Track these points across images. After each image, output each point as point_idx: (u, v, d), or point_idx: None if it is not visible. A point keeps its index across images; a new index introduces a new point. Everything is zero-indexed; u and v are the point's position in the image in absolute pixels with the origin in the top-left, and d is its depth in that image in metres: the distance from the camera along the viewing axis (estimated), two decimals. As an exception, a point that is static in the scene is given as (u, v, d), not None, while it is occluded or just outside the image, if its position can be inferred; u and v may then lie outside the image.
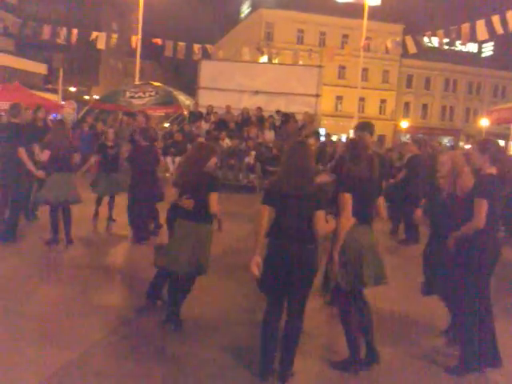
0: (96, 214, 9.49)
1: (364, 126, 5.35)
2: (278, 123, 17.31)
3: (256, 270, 3.84)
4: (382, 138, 43.08)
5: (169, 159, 15.84)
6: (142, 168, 8.08)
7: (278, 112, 17.84)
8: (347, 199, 4.11)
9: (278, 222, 3.89)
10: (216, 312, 5.43)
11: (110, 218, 9.39)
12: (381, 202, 4.43)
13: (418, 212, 5.58)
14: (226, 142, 15.96)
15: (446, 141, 49.09)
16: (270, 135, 16.82)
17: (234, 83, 18.75)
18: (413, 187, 9.15)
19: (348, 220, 4.08)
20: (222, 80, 18.81)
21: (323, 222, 3.90)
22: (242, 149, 15.85)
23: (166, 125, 19.64)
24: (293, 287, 3.91)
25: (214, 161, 4.78)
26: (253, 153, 15.80)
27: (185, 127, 17.11)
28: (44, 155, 7.54)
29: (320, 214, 3.87)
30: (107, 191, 9.35)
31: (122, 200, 8.92)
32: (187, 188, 4.70)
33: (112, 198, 9.44)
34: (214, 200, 4.61)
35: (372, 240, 4.28)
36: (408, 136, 48.39)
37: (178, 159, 15.67)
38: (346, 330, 4.27)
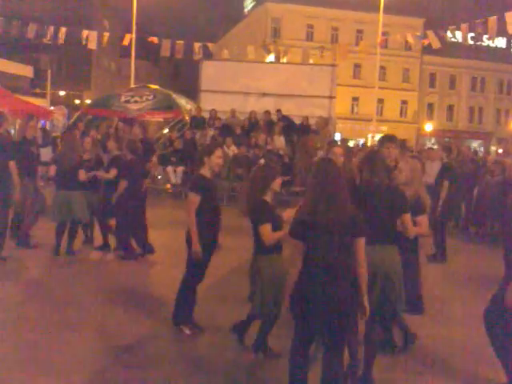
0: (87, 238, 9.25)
1: (389, 139, 5.69)
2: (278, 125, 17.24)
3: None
4: (404, 143, 43.04)
5: (169, 169, 15.94)
6: (128, 185, 8.12)
7: (278, 111, 17.89)
8: None
9: (312, 257, 3.68)
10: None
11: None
12: (406, 217, 4.45)
13: None
14: (232, 150, 16.04)
15: (476, 145, 49.03)
16: (280, 141, 16.89)
17: (238, 85, 18.88)
18: (449, 198, 9.35)
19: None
20: (225, 82, 18.92)
21: (363, 253, 3.73)
22: (250, 157, 15.92)
23: (165, 131, 19.73)
24: (326, 327, 3.74)
25: (277, 182, 4.83)
26: (262, 161, 15.81)
27: (186, 134, 17.20)
28: (51, 170, 7.75)
29: (359, 242, 3.69)
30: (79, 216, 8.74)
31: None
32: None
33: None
34: (265, 232, 4.60)
35: (386, 261, 4.31)
36: (433, 140, 48.42)
37: (179, 169, 15.79)
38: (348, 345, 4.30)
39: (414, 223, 4.64)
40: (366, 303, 3.78)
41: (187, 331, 5.35)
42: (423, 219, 4.78)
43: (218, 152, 5.34)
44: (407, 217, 4.44)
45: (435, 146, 26.19)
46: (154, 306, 6.32)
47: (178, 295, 5.44)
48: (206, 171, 5.31)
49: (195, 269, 5.31)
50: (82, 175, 8.18)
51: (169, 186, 16.22)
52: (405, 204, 4.46)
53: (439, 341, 5.64)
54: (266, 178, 4.69)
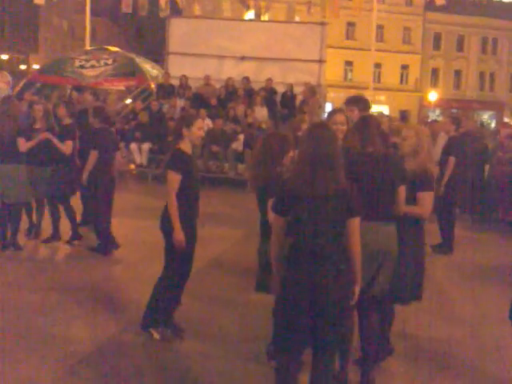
0: (30, 225, 9.06)
1: (353, 100, 5.82)
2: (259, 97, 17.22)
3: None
4: (404, 114, 43.29)
5: (133, 147, 15.79)
6: (99, 157, 8.18)
7: (244, 79, 17.83)
8: None
9: (296, 237, 3.69)
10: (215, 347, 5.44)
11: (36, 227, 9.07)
12: (401, 190, 4.54)
13: None
14: (207, 123, 15.94)
15: (486, 117, 49.46)
16: (262, 113, 16.84)
17: (212, 47, 18.73)
18: (456, 177, 9.37)
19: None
20: (197, 43, 18.77)
21: (358, 234, 3.72)
22: (228, 132, 15.84)
23: (128, 102, 19.53)
24: (319, 327, 3.69)
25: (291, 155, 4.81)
26: (241, 137, 15.80)
27: (152, 105, 17.04)
28: None
29: (353, 223, 3.68)
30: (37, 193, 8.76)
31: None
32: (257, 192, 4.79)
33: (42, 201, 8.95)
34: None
35: (382, 241, 4.41)
36: (437, 112, 48.72)
37: (145, 146, 15.68)
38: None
39: (416, 201, 4.72)
40: (357, 289, 3.83)
41: (157, 336, 5.32)
42: (426, 196, 4.79)
43: (199, 122, 5.32)
44: (402, 189, 4.54)
45: (440, 118, 26.34)
46: (118, 308, 6.28)
47: (155, 295, 5.37)
48: (185, 145, 5.27)
49: (179, 263, 5.26)
50: (23, 145, 8.01)
51: (132, 166, 16.09)
52: (402, 174, 4.55)
53: (450, 343, 5.69)
54: (282, 148, 4.72)
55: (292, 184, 3.68)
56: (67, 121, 8.73)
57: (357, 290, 3.82)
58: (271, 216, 4.30)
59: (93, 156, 8.18)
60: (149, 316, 5.39)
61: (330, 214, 3.60)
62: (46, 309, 6.14)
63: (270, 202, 4.33)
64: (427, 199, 4.78)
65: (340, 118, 5.36)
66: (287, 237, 3.75)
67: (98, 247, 8.32)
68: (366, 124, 4.59)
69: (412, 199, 4.70)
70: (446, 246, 9.51)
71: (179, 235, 5.11)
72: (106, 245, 8.30)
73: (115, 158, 8.62)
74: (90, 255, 8.21)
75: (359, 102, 5.81)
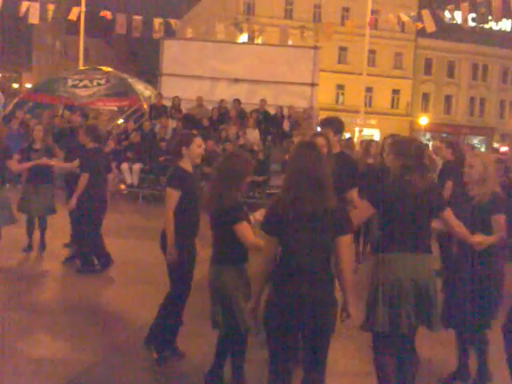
0: (29, 244, 9.16)
1: (327, 122, 5.90)
2: (232, 114, 17.33)
3: (251, 321, 3.85)
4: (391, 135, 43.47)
5: (124, 167, 15.77)
6: (91, 178, 8.11)
7: (235, 101, 17.93)
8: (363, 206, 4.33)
9: (285, 257, 3.68)
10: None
11: (41, 245, 9.23)
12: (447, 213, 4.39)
13: None
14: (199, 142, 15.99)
15: (476, 142, 49.79)
16: (254, 135, 16.89)
17: (205, 69, 18.88)
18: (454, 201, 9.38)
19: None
20: (190, 65, 18.90)
21: (349, 252, 3.76)
22: (219, 153, 15.85)
23: (120, 122, 19.55)
24: (307, 340, 3.76)
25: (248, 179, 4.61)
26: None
27: (144, 125, 17.07)
28: None
29: (344, 241, 3.66)
30: (36, 211, 9.06)
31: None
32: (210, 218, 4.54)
33: (42, 219, 9.21)
34: (245, 231, 4.41)
35: (420, 273, 4.23)
36: (428, 136, 49.03)
37: (136, 167, 15.67)
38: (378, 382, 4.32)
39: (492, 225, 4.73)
40: (351, 308, 3.78)
41: (155, 356, 5.26)
42: (500, 219, 4.80)
43: (198, 141, 5.32)
44: (449, 213, 4.38)
45: (430, 143, 26.50)
46: (106, 329, 6.21)
47: (162, 315, 5.31)
48: (185, 164, 5.27)
49: (181, 282, 5.24)
50: (15, 166, 8.01)
51: (123, 186, 16.05)
52: (442, 201, 4.43)
53: None
54: (240, 172, 4.49)
55: (280, 203, 3.66)
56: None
57: (351, 310, 3.78)
58: (249, 239, 4.36)
59: (83, 178, 8.05)
60: (153, 335, 5.33)
61: (318, 233, 3.59)
62: (32, 330, 6.07)
63: (243, 226, 4.34)
64: (502, 222, 4.80)
65: (321, 141, 5.41)
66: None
67: (82, 268, 8.25)
68: (405, 148, 4.39)
69: (481, 224, 4.69)
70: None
71: (171, 252, 5.09)
72: (90, 265, 8.24)
73: (107, 180, 8.53)
74: (81, 275, 8.15)
75: (333, 124, 5.89)
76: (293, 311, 3.61)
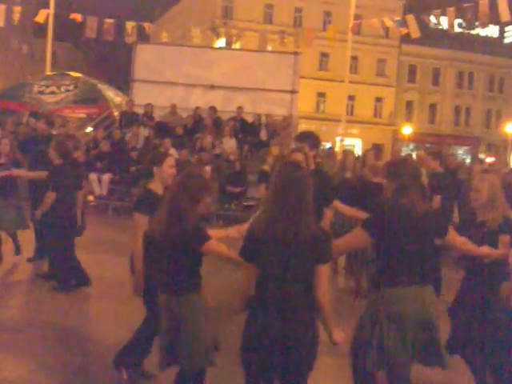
0: None
1: (303, 137, 5.99)
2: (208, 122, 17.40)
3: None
4: (377, 149, 43.82)
5: (93, 177, 15.67)
6: (58, 196, 8.04)
7: (210, 109, 18.01)
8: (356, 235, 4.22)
9: (260, 285, 3.60)
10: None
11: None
12: (452, 234, 4.35)
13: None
14: (171, 154, 15.95)
15: (461, 152, 50.26)
16: (230, 144, 16.91)
17: (180, 75, 18.91)
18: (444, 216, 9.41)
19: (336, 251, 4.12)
20: (164, 70, 18.90)
21: (326, 282, 3.60)
22: (194, 163, 15.83)
23: (89, 130, 19.44)
24: (281, 380, 3.68)
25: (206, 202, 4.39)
26: (208, 168, 15.79)
27: (114, 134, 17.00)
28: None
29: (323, 270, 3.57)
30: (6, 227, 9.06)
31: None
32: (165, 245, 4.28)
33: (13, 235, 9.25)
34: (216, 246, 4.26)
35: (427, 308, 4.12)
36: (411, 146, 49.41)
37: (106, 177, 15.58)
38: None
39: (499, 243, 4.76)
40: (336, 335, 3.68)
41: (125, 376, 5.22)
42: (507, 239, 4.84)
43: (170, 160, 5.27)
44: (452, 233, 4.33)
45: (414, 153, 26.72)
46: (74, 348, 6.16)
47: (137, 335, 5.26)
48: (156, 185, 5.21)
49: (155, 308, 5.19)
50: None
51: (91, 197, 15.93)
52: (444, 222, 4.42)
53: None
54: (198, 191, 4.26)
55: (259, 227, 3.59)
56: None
57: (337, 337, 3.69)
58: (222, 252, 4.22)
59: (49, 198, 7.96)
60: (124, 355, 5.27)
61: (299, 262, 3.51)
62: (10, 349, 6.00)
63: (211, 245, 4.16)
64: (506, 241, 4.82)
65: (298, 157, 5.41)
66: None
67: (57, 286, 8.19)
68: (401, 171, 4.27)
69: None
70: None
71: (138, 281, 5.00)
72: (67, 281, 8.19)
73: (78, 197, 8.39)
74: (48, 292, 8.07)
75: (309, 139, 5.96)
76: (264, 347, 3.55)
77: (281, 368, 3.62)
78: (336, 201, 6.10)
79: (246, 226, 5.41)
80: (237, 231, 4.81)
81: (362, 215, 5.62)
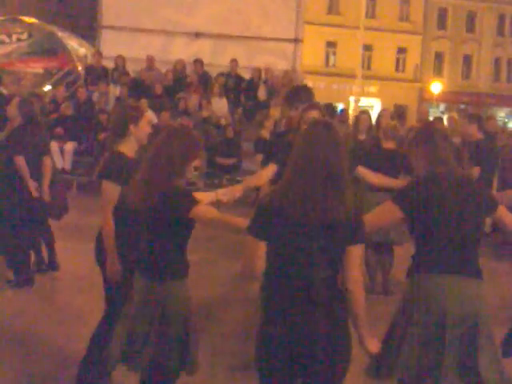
0: None
1: (292, 95, 6.13)
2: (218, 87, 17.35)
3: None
4: (401, 110, 43.78)
5: (53, 147, 15.60)
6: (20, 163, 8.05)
7: (196, 61, 18.03)
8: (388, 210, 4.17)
9: (279, 272, 3.57)
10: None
11: None
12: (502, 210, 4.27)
13: None
14: (149, 118, 15.91)
15: (503, 115, 50.23)
16: (221, 105, 16.88)
17: (158, 20, 18.84)
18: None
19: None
20: (138, 15, 18.81)
21: (360, 267, 3.56)
22: (177, 128, 15.79)
23: (47, 89, 19.35)
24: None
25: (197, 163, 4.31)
26: (194, 134, 15.77)
27: (79, 93, 16.93)
28: None
29: (355, 252, 3.54)
30: None
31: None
32: (145, 217, 4.26)
33: None
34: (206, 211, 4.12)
35: (474, 304, 4.06)
36: (442, 107, 49.35)
37: (69, 147, 15.54)
38: None
39: None
40: (368, 343, 3.68)
41: None
42: None
43: (148, 116, 5.33)
44: (502, 209, 4.25)
45: (445, 116, 26.71)
46: (37, 355, 6.18)
47: (94, 344, 5.25)
48: (128, 147, 5.16)
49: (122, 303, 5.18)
50: None
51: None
52: (492, 196, 4.35)
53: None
54: (186, 152, 4.21)
55: (278, 203, 3.50)
56: None
57: (369, 346, 3.69)
58: (212, 217, 4.09)
59: (21, 163, 8.00)
60: (88, 371, 5.25)
61: (327, 247, 3.46)
62: None
63: (200, 208, 4.05)
64: None
65: (316, 115, 5.36)
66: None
67: (16, 280, 8.23)
68: (431, 135, 4.33)
69: None
70: None
71: (114, 265, 4.98)
72: (22, 274, 8.23)
73: (45, 164, 8.40)
74: (4, 287, 8.12)
75: (301, 95, 5.97)
76: (285, 350, 3.52)
77: (306, 376, 3.61)
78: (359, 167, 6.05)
79: (238, 187, 5.42)
80: (228, 194, 4.86)
81: (392, 182, 5.62)
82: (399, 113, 41.22)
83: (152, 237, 4.23)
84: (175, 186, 4.11)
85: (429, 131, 4.42)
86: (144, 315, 4.18)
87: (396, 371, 4.07)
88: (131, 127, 5.12)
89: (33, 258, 8.60)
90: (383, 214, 4.25)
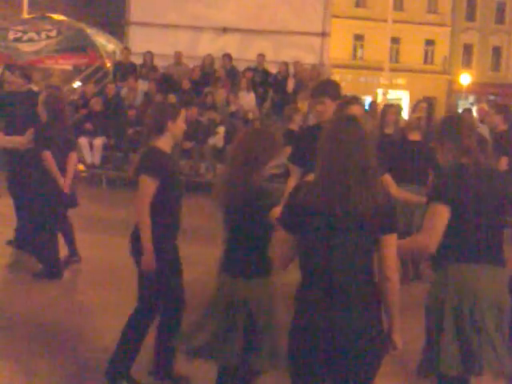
0: None
1: (320, 88, 6.09)
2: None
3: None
4: (430, 102, 43.47)
5: (83, 142, 15.72)
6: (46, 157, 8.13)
7: (224, 56, 17.96)
8: (439, 213, 4.10)
9: (308, 270, 3.59)
10: None
11: None
12: None
13: None
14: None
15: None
16: (248, 100, 16.88)
17: (186, 16, 18.84)
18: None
19: (429, 244, 4.08)
20: (166, 11, 18.83)
21: (395, 256, 3.56)
22: (204, 123, 15.83)
23: (76, 85, 19.48)
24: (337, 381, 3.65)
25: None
26: (222, 129, 15.79)
27: (107, 89, 17.00)
28: None
29: (389, 241, 3.55)
30: None
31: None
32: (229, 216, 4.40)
33: None
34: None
35: (499, 294, 4.17)
36: (471, 99, 48.94)
37: (98, 142, 15.63)
38: None
39: None
40: (397, 336, 3.67)
41: None
42: None
43: (183, 113, 5.41)
44: None
45: (474, 107, 26.47)
46: (65, 345, 6.23)
47: (126, 335, 5.31)
48: (164, 143, 5.27)
49: (155, 296, 5.26)
50: None
51: (82, 167, 16.00)
52: None
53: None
54: (265, 152, 4.30)
55: (309, 197, 3.52)
56: None
57: (397, 339, 3.68)
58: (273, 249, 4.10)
59: (47, 159, 8.10)
60: (119, 363, 5.30)
61: (358, 240, 3.47)
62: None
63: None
64: None
65: (357, 110, 5.34)
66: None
67: (41, 272, 8.30)
68: (456, 124, 4.36)
69: None
70: None
71: (149, 257, 5.06)
72: (53, 267, 8.28)
73: (71, 159, 8.53)
74: (32, 281, 8.15)
75: (328, 90, 5.96)
76: (318, 345, 3.52)
77: (337, 374, 3.60)
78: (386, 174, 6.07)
79: None
80: None
81: (412, 198, 5.62)
82: (429, 104, 40.93)
83: (234, 235, 4.35)
84: (257, 186, 4.23)
85: (453, 122, 4.41)
86: (228, 313, 4.26)
87: (437, 365, 4.08)
88: (169, 124, 5.21)
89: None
90: (439, 220, 4.14)
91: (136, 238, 5.19)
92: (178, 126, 5.31)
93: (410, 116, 9.45)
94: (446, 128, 4.38)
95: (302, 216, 3.52)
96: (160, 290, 5.24)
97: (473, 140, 4.23)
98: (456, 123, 4.36)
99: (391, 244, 3.53)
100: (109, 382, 5.26)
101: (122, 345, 5.31)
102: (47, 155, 8.08)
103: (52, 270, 8.26)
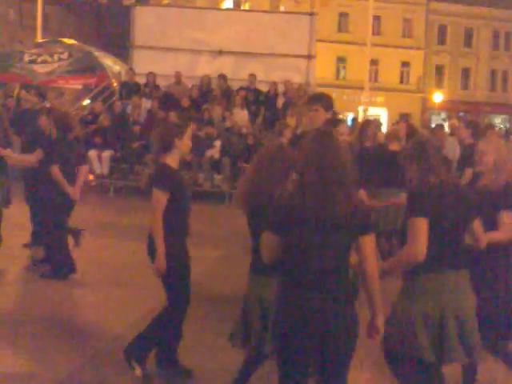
0: None
1: (316, 98, 6.22)
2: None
3: None
4: (405, 118, 43.59)
5: (92, 154, 15.74)
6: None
7: (220, 77, 18.03)
8: (420, 226, 4.12)
9: (295, 265, 3.64)
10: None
11: None
12: (477, 223, 4.40)
13: None
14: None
15: (499, 121, 49.87)
16: (242, 116, 16.92)
17: (185, 40, 18.86)
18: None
19: (417, 254, 4.10)
20: (167, 35, 18.85)
21: (374, 252, 3.70)
22: (202, 137, 15.86)
23: (86, 103, 19.49)
24: (319, 369, 3.73)
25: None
26: (218, 143, 15.84)
27: (114, 106, 17.04)
28: None
29: (367, 241, 3.64)
30: None
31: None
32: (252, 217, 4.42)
33: None
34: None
35: (465, 299, 4.24)
36: (443, 115, 49.07)
37: (106, 154, 15.65)
38: None
39: (495, 224, 4.70)
40: (380, 321, 3.77)
41: (138, 373, 5.26)
42: (509, 215, 4.76)
43: (190, 131, 5.39)
44: (478, 222, 4.40)
45: (446, 123, 26.60)
46: (78, 339, 6.24)
47: (153, 326, 5.35)
48: (172, 159, 5.28)
49: (178, 291, 5.29)
50: None
51: (91, 177, 16.02)
52: (476, 205, 4.41)
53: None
54: (284, 163, 4.35)
55: (293, 201, 3.62)
56: None
57: (380, 323, 3.78)
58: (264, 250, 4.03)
59: (56, 172, 8.09)
60: (137, 347, 5.32)
61: (337, 239, 3.57)
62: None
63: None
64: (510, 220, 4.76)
65: (344, 128, 5.40)
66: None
67: (49, 272, 8.29)
68: (423, 148, 4.40)
69: (490, 224, 4.66)
70: None
71: (161, 263, 5.10)
72: (62, 268, 8.29)
73: (81, 172, 8.56)
74: (44, 280, 8.14)
75: (322, 100, 6.04)
76: (299, 331, 3.58)
77: (320, 356, 3.66)
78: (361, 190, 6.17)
79: None
80: None
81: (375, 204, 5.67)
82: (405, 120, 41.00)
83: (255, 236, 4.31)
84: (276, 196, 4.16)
85: (421, 145, 4.45)
86: (255, 307, 4.42)
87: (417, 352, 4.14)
88: (176, 141, 5.22)
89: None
90: (422, 233, 4.13)
91: (151, 242, 5.23)
92: (185, 144, 5.30)
93: (370, 133, 9.59)
94: (415, 151, 4.43)
95: (287, 219, 3.61)
96: (181, 288, 5.30)
97: (438, 160, 4.33)
98: (423, 146, 4.41)
99: (369, 242, 3.65)
100: (125, 360, 5.28)
101: (145, 332, 5.33)
102: (55, 169, 8.08)
103: (60, 271, 8.24)
